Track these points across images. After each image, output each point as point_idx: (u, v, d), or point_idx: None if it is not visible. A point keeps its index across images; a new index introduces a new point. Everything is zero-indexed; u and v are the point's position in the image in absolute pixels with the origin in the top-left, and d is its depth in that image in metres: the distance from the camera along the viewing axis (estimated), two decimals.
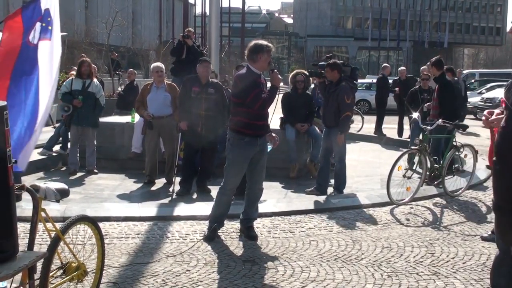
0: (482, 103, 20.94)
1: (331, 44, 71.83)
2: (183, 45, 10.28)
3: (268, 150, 5.83)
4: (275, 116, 6.33)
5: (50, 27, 4.44)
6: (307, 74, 8.95)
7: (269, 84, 5.52)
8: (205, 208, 6.25)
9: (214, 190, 6.49)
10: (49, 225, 3.44)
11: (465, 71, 28.71)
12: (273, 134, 5.69)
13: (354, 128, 15.43)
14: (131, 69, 14.01)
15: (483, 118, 3.78)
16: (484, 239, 5.58)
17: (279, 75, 5.52)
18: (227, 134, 5.62)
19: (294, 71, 9.54)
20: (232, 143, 5.42)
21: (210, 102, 7.35)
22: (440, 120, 7.62)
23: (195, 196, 7.51)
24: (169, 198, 7.38)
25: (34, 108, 4.28)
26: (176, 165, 7.84)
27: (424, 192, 7.52)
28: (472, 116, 20.55)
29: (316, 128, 8.91)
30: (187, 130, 7.46)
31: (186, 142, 7.76)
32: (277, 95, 5.56)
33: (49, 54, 4.43)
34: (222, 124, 7.44)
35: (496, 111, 3.86)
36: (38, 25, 4.37)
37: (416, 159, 7.62)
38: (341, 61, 7.83)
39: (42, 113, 4.27)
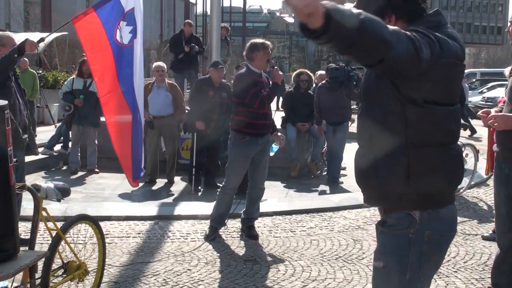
0: (483, 103, 20.91)
1: None
2: (179, 38, 10.29)
3: (275, 150, 5.82)
4: (278, 114, 6.35)
5: (135, 28, 4.48)
6: (310, 74, 9.12)
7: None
8: (206, 207, 6.25)
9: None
10: (50, 224, 3.45)
11: (466, 71, 28.56)
12: (279, 134, 5.68)
13: (355, 127, 15.45)
14: None
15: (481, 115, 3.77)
16: (485, 238, 5.57)
17: (280, 72, 5.51)
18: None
19: (298, 70, 9.56)
20: (233, 142, 5.43)
21: (223, 106, 7.42)
22: None
23: (199, 194, 7.52)
24: (170, 198, 7.38)
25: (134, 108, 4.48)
26: (176, 162, 7.90)
27: None
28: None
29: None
30: (201, 132, 7.52)
31: (197, 143, 7.76)
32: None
33: (140, 54, 4.51)
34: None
35: (493, 110, 3.85)
36: (123, 24, 4.38)
37: None
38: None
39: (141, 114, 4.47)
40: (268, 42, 5.48)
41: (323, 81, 8.64)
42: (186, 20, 12.12)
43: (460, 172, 2.23)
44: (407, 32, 1.90)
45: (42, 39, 4.81)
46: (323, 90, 8.44)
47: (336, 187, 8.22)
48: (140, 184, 8.07)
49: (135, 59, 4.48)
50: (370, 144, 2.21)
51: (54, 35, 15.71)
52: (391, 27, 1.87)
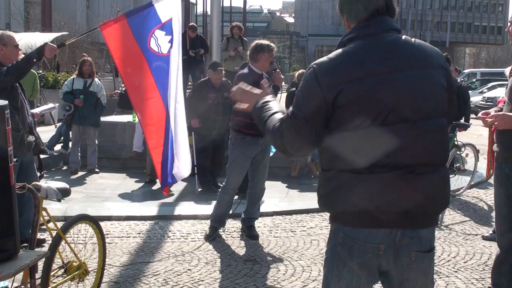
0: (484, 102, 20.91)
1: (333, 43, 71.51)
2: (184, 38, 10.25)
3: (274, 150, 5.83)
4: None
5: (173, 37, 4.45)
6: None
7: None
8: (206, 207, 6.25)
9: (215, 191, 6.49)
10: (50, 224, 3.45)
11: (466, 71, 28.55)
12: None
13: None
14: None
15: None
16: (485, 238, 5.58)
17: (281, 75, 5.53)
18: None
19: (301, 70, 9.57)
20: (233, 142, 5.42)
21: (227, 106, 7.38)
22: None
23: (198, 192, 7.51)
24: (170, 198, 7.38)
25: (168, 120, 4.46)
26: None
27: None
28: (473, 115, 20.52)
29: None
30: (201, 133, 7.48)
31: (201, 144, 7.73)
32: (279, 95, 5.57)
33: (178, 63, 4.49)
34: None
35: (493, 110, 3.85)
36: (161, 34, 4.35)
37: None
38: None
39: (179, 127, 4.42)
40: (273, 45, 5.50)
41: None
42: (190, 24, 12.06)
43: (380, 197, 2.05)
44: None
45: (63, 44, 4.79)
46: None
47: None
48: (141, 184, 8.09)
49: (172, 68, 4.45)
50: None
51: (58, 37, 15.68)
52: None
